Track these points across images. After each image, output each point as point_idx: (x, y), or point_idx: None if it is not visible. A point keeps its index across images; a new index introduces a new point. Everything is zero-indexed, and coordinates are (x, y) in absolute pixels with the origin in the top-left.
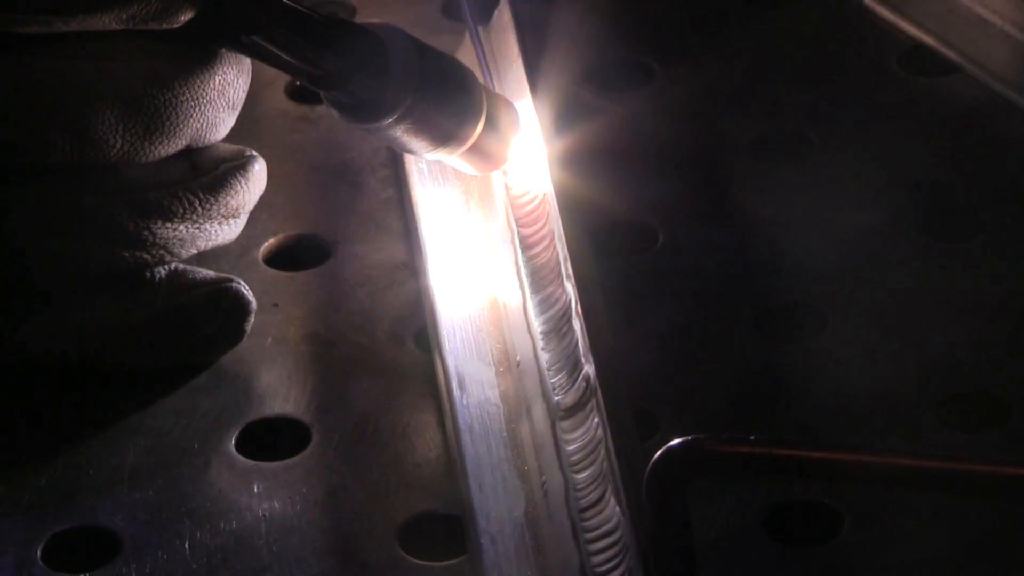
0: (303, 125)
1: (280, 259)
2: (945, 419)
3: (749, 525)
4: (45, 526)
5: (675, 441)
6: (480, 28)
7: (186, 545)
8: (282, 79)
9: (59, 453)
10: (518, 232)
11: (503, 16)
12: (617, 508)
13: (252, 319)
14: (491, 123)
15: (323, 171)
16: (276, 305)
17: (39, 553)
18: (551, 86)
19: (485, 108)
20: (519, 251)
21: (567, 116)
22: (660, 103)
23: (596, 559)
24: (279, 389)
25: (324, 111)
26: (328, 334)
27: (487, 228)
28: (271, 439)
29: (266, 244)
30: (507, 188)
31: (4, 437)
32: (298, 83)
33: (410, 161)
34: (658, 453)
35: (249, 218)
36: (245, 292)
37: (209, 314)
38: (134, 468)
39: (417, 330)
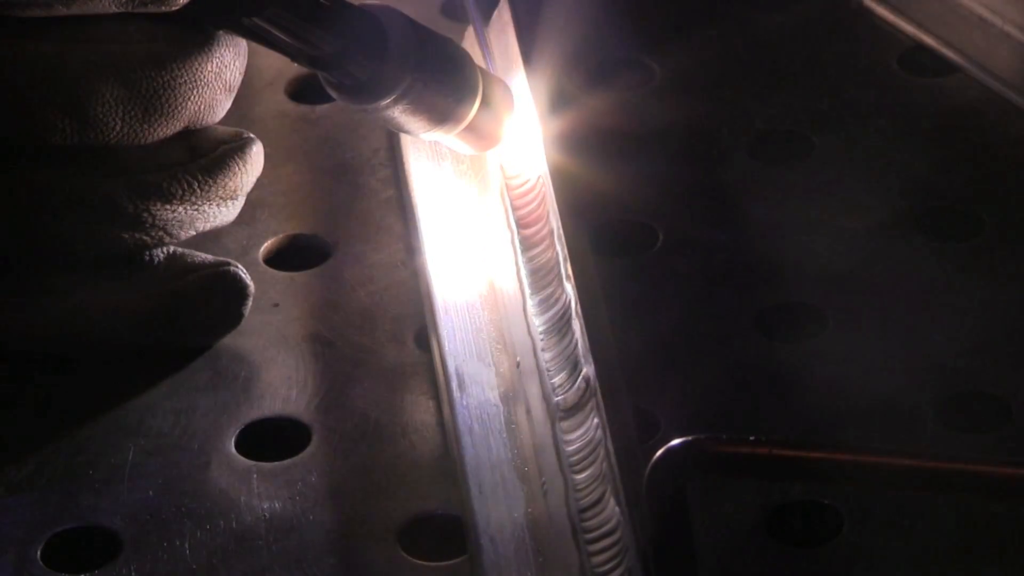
0: (303, 125)
1: (280, 259)
2: (945, 419)
3: (749, 525)
4: (45, 526)
5: (675, 441)
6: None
7: (186, 545)
8: (282, 79)
9: (59, 453)
10: (518, 233)
11: (503, 15)
12: (617, 508)
13: (250, 302)
14: (487, 102)
15: (323, 171)
16: (276, 305)
17: (39, 553)
18: (550, 85)
19: (481, 87)
20: (519, 252)
21: (566, 115)
22: (659, 103)
23: (596, 559)
24: (279, 389)
25: (324, 111)
26: (328, 334)
27: (487, 228)
28: (271, 439)
29: (266, 244)
30: (508, 188)
31: (3, 437)
32: (294, 62)
33: (410, 159)
34: (658, 453)
35: (249, 218)
36: (243, 275)
37: (207, 296)
38: (134, 468)
39: (417, 330)
